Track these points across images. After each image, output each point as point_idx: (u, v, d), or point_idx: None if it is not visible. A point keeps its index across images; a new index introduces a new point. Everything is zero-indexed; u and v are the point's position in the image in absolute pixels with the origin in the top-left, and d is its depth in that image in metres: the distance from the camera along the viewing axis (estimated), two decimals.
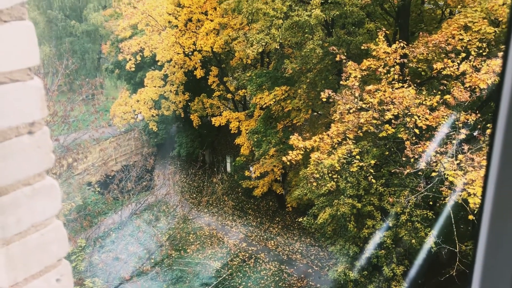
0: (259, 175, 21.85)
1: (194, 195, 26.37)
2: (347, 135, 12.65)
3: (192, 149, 27.48)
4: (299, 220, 17.17)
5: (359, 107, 12.45)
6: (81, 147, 14.89)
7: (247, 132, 21.66)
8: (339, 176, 13.57)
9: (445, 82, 12.23)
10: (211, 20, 23.13)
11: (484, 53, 11.21)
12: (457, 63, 11.41)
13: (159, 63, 24.87)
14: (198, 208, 24.79)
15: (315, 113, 19.65)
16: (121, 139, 29.03)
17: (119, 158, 28.57)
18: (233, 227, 23.65)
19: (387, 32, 15.40)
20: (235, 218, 24.50)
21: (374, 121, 12.25)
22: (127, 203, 17.68)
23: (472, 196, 9.44)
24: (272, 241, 22.31)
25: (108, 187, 17.40)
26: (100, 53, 39.29)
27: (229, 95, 26.27)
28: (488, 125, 10.47)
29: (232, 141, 25.27)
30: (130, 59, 24.22)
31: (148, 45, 23.91)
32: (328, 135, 12.82)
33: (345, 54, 13.95)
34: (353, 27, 16.24)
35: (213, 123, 24.64)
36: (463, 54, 11.57)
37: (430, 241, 12.26)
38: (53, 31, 39.03)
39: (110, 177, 18.44)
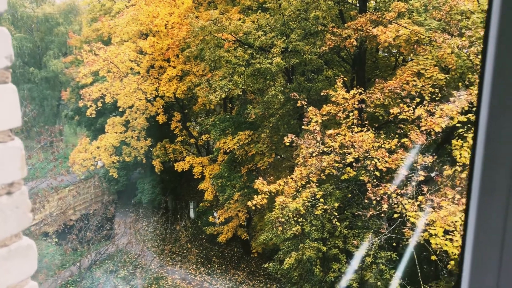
0: (223, 220, 21.61)
1: (157, 244, 25.62)
2: (311, 179, 12.81)
3: (154, 196, 26.95)
4: (265, 266, 16.93)
5: (321, 151, 12.70)
6: (38, 196, 14.40)
7: (211, 177, 21.54)
8: (304, 220, 13.61)
9: (402, 126, 12.74)
10: (174, 67, 23.38)
11: (437, 98, 11.80)
12: (412, 107, 11.94)
13: (120, 109, 24.70)
14: (161, 257, 24.06)
15: (279, 157, 19.87)
16: (80, 187, 28.20)
17: (79, 207, 27.63)
18: (197, 276, 23.00)
19: (344, 78, 16.04)
20: (199, 266, 23.88)
21: (336, 164, 12.49)
22: (87, 253, 17.01)
23: (434, 236, 9.66)
24: None
25: (66, 237, 16.71)
26: (60, 99, 38.72)
27: (192, 140, 26.24)
28: (445, 166, 10.88)
29: (195, 186, 25.01)
30: (91, 106, 23.95)
31: (110, 91, 23.78)
32: (292, 178, 12.94)
33: (306, 99, 14.35)
34: (313, 74, 16.82)
35: (175, 168, 24.40)
36: (418, 99, 12.13)
37: (395, 283, 12.33)
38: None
39: (69, 227, 17.74)
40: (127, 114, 25.20)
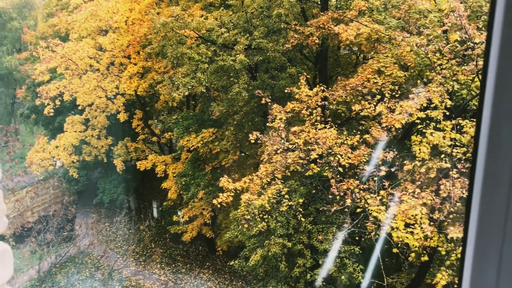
0: (187, 219, 21.41)
1: (120, 244, 25.11)
2: (276, 175, 12.89)
3: (116, 196, 26.37)
4: (230, 263, 16.92)
5: (285, 148, 12.80)
6: None
7: (174, 175, 21.30)
8: (269, 216, 13.69)
9: (364, 122, 13.01)
10: (135, 64, 22.94)
11: (396, 95, 12.11)
12: (373, 104, 12.21)
13: (79, 107, 24.01)
14: (124, 258, 23.61)
15: (243, 154, 19.89)
16: (39, 188, 27.26)
17: (37, 208, 26.71)
18: (161, 276, 22.74)
19: (307, 76, 16.21)
20: (163, 265, 23.61)
21: (301, 161, 12.63)
22: (46, 256, 16.50)
23: (395, 230, 9.93)
24: (203, 287, 21.70)
25: (24, 240, 16.15)
26: (15, 97, 37.20)
27: (154, 138, 25.84)
28: (405, 162, 11.19)
29: (158, 185, 24.66)
30: (48, 104, 23.13)
31: (68, 89, 23.05)
32: (257, 175, 12.99)
33: (270, 97, 14.43)
34: (276, 72, 16.92)
35: (138, 167, 23.97)
36: (378, 96, 12.42)
37: (358, 276, 12.61)
38: None
39: (26, 229, 17.12)
40: (87, 112, 24.54)
